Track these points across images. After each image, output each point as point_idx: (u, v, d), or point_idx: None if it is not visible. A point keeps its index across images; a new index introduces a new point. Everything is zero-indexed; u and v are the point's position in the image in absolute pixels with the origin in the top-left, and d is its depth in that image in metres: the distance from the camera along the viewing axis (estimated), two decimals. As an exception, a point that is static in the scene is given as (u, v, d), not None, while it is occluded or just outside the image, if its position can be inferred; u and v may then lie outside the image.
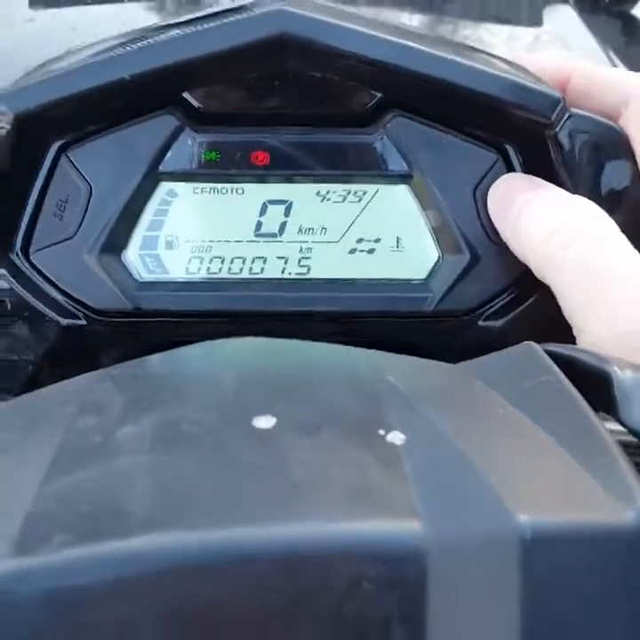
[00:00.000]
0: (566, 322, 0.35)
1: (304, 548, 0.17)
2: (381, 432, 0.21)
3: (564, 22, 0.64)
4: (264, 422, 0.21)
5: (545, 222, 0.35)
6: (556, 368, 0.25)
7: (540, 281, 0.36)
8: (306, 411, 0.23)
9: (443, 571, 0.17)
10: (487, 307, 0.40)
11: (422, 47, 0.36)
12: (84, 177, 0.39)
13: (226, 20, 0.35)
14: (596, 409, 0.23)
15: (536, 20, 0.64)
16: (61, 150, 0.39)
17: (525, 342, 0.27)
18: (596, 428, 0.21)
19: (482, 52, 0.40)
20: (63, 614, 0.17)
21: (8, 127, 0.36)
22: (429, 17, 0.63)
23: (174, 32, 0.36)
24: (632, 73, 0.42)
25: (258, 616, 0.17)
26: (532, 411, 0.23)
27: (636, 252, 0.34)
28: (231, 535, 0.17)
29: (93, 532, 0.18)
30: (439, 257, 0.40)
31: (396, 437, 0.21)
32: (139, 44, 0.36)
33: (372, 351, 0.28)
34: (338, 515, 0.18)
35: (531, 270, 0.37)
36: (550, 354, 0.26)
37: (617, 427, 0.23)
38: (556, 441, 0.21)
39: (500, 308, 0.40)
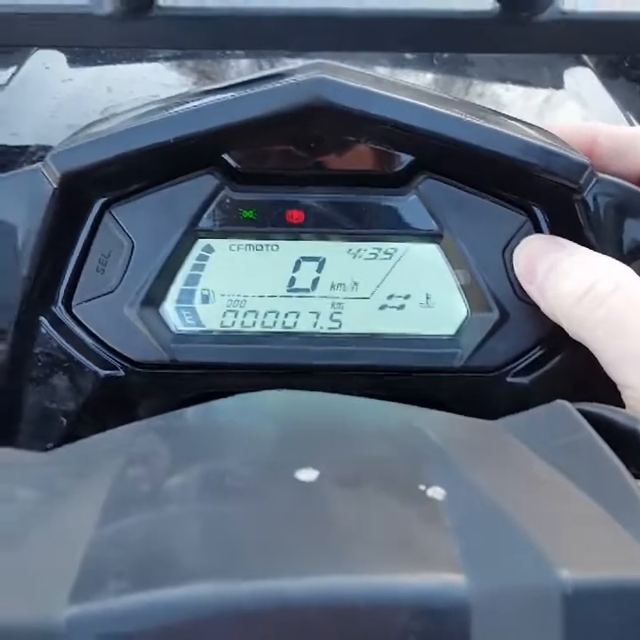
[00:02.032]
0: (594, 378, 0.36)
1: (351, 600, 0.18)
2: (422, 487, 0.22)
3: (584, 85, 0.65)
4: (306, 475, 0.22)
5: (574, 283, 0.36)
6: (588, 426, 0.25)
7: (567, 338, 0.37)
8: (346, 464, 0.23)
9: (486, 624, 0.18)
10: (515, 363, 0.41)
11: (452, 112, 0.37)
12: (126, 233, 0.40)
13: (266, 87, 0.37)
14: (628, 467, 0.23)
15: (556, 83, 0.65)
16: (105, 207, 0.40)
17: (558, 401, 0.28)
18: (628, 484, 0.22)
19: (509, 117, 0.42)
20: None
21: (55, 185, 0.38)
22: (451, 79, 0.65)
23: (216, 97, 0.37)
24: None
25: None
26: (566, 468, 0.24)
27: None
28: (279, 586, 0.18)
29: (146, 580, 0.18)
30: (468, 314, 0.41)
31: (436, 493, 0.21)
32: (182, 109, 0.37)
33: (407, 406, 0.29)
34: (384, 568, 0.19)
35: (558, 328, 0.38)
36: (582, 412, 0.27)
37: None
38: (590, 497, 0.22)
39: (528, 365, 0.41)
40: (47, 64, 0.61)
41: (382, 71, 0.61)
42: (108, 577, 0.19)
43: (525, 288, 0.39)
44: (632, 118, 0.62)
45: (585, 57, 0.67)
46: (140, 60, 0.61)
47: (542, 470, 0.24)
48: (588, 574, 0.18)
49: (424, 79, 0.60)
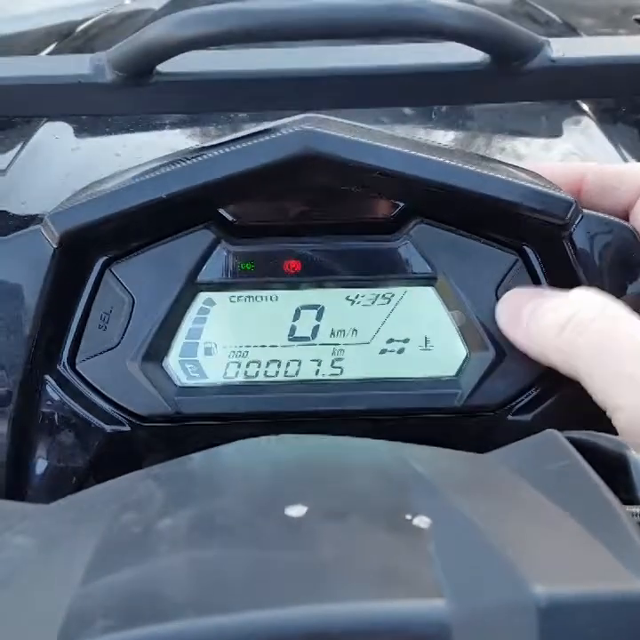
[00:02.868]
0: (596, 411, 0.36)
1: (333, 626, 0.18)
2: (408, 517, 0.22)
3: (584, 133, 0.65)
4: (295, 511, 0.22)
5: (556, 314, 0.37)
6: (575, 453, 0.26)
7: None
8: (334, 499, 0.24)
9: (466, 644, 0.18)
10: (516, 401, 0.41)
11: (439, 158, 0.38)
12: (127, 290, 0.41)
13: (254, 142, 0.38)
14: (616, 491, 0.23)
15: (556, 133, 0.66)
16: (105, 265, 0.41)
17: (547, 430, 0.28)
18: (612, 506, 0.22)
19: (495, 160, 0.43)
20: None
21: (55, 245, 0.39)
22: (450, 132, 0.66)
23: (207, 154, 0.38)
24: None
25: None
26: (553, 492, 0.24)
27: None
28: (264, 617, 0.18)
29: (133, 617, 0.19)
30: (467, 354, 0.42)
31: (421, 521, 0.22)
32: (174, 167, 0.38)
33: (397, 443, 0.29)
34: (365, 594, 0.19)
35: None
36: (571, 440, 0.27)
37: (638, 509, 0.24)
38: (573, 518, 0.22)
39: (528, 403, 0.41)
40: (56, 134, 0.62)
41: (382, 127, 0.62)
42: (95, 616, 0.19)
43: (510, 337, 0.40)
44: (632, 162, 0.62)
45: (582, 104, 0.68)
46: (146, 126, 0.63)
47: (527, 495, 0.24)
48: (563, 588, 0.18)
49: (423, 133, 0.61)
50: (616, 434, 0.34)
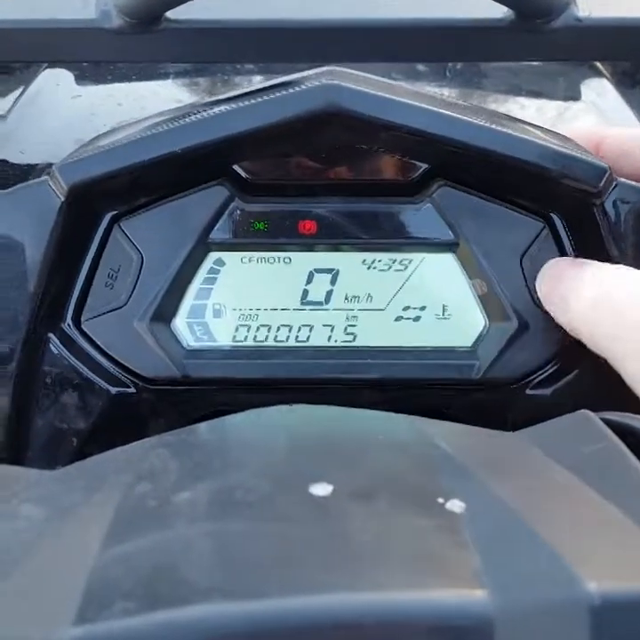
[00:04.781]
0: (616, 389, 0.35)
1: (368, 617, 0.17)
2: (440, 500, 0.21)
3: (601, 94, 0.64)
4: (321, 489, 0.21)
5: (593, 291, 0.35)
6: (612, 435, 0.25)
7: (588, 349, 0.36)
8: (360, 478, 0.23)
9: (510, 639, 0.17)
10: (536, 375, 0.40)
11: (467, 118, 0.37)
12: (136, 247, 0.39)
13: (275, 95, 0.36)
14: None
15: (572, 93, 0.64)
16: (114, 221, 0.40)
17: (581, 411, 0.27)
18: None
19: (524, 122, 0.41)
20: None
21: (62, 198, 0.37)
22: (465, 90, 0.64)
23: (225, 107, 0.37)
24: None
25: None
26: (591, 477, 0.23)
27: None
28: (293, 604, 0.17)
29: (153, 600, 0.18)
30: (485, 324, 0.40)
31: (455, 505, 0.21)
32: (190, 119, 0.37)
33: (419, 417, 0.28)
34: (402, 584, 0.18)
35: None
36: (606, 421, 0.26)
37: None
38: (617, 506, 0.21)
39: (548, 376, 0.40)
40: (56, 81, 0.60)
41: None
42: (114, 597, 0.18)
43: (548, 308, 0.38)
44: (650, 127, 0.61)
45: (600, 66, 0.66)
46: (150, 75, 0.61)
47: (565, 480, 0.23)
48: (616, 586, 0.17)
49: (437, 91, 0.59)
50: None
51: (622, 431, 0.25)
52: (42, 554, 0.20)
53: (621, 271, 0.36)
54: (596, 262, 0.38)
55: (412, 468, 0.24)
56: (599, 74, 0.66)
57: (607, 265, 0.37)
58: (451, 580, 0.18)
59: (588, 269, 0.37)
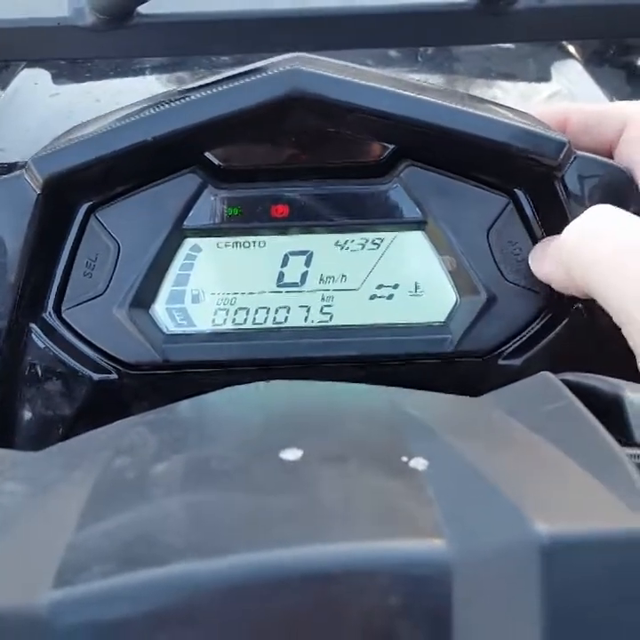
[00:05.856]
0: (583, 356, 0.35)
1: (332, 567, 0.18)
2: (404, 459, 0.22)
3: (570, 75, 0.64)
4: (291, 454, 0.22)
5: (577, 225, 0.35)
6: (570, 394, 0.25)
7: (557, 317, 0.37)
8: (330, 443, 0.24)
9: (467, 584, 0.18)
10: (506, 346, 0.41)
11: (430, 98, 0.38)
12: (112, 236, 0.40)
13: (241, 82, 0.37)
14: (612, 433, 0.23)
15: (543, 76, 0.65)
16: (90, 211, 0.40)
17: (541, 373, 0.28)
18: (609, 445, 0.22)
19: (486, 101, 0.42)
20: None
21: (38, 191, 0.38)
22: (436, 75, 0.65)
23: (193, 95, 0.37)
24: (627, 101, 0.43)
25: (289, 636, 0.18)
26: (549, 434, 0.24)
27: None
28: (263, 558, 0.18)
29: (131, 562, 0.18)
30: (457, 299, 0.41)
31: (418, 463, 0.22)
32: (160, 108, 0.37)
33: (390, 387, 0.29)
34: (365, 535, 0.19)
35: (548, 306, 0.37)
36: (565, 382, 0.27)
37: (635, 451, 0.24)
38: (572, 459, 0.22)
39: (519, 347, 0.41)
40: (34, 80, 0.61)
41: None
42: (92, 561, 0.19)
43: (553, 283, 0.38)
44: (619, 105, 0.61)
45: (571, 47, 0.67)
46: (126, 71, 0.61)
47: (524, 436, 0.24)
48: (565, 527, 0.18)
49: (409, 76, 0.60)
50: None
51: (582, 391, 0.26)
52: (22, 526, 0.21)
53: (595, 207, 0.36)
54: None
55: (379, 431, 0.25)
56: (568, 54, 0.66)
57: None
58: (411, 531, 0.19)
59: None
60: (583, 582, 0.18)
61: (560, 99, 0.63)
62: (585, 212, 0.36)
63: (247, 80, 0.37)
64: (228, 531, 0.19)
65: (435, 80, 0.63)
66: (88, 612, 0.18)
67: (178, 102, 0.37)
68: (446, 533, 0.18)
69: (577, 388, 0.26)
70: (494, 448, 0.24)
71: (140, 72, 0.62)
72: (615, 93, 0.63)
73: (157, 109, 0.37)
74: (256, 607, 0.18)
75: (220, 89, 0.37)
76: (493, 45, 0.63)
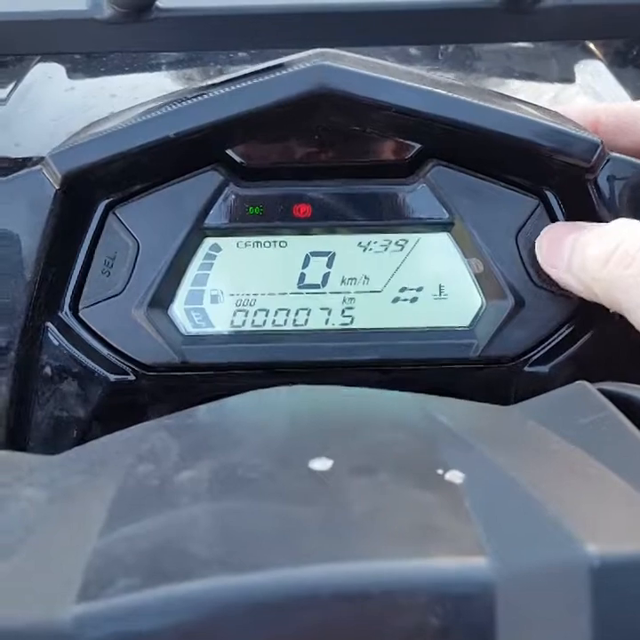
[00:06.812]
0: (614, 362, 0.35)
1: (371, 586, 0.17)
2: (439, 471, 0.21)
3: (593, 75, 0.64)
4: (321, 464, 0.21)
5: (600, 247, 0.35)
6: (610, 405, 0.25)
7: (586, 324, 0.36)
8: (361, 453, 0.23)
9: (511, 605, 0.17)
10: (533, 352, 0.40)
11: (459, 96, 0.37)
12: (131, 234, 0.40)
13: (266, 78, 0.36)
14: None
15: (565, 75, 0.64)
16: (109, 208, 0.40)
17: (577, 382, 0.27)
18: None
19: (516, 99, 0.41)
20: None
21: (57, 187, 0.37)
22: (457, 73, 0.64)
23: (217, 91, 0.37)
24: None
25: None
26: (589, 446, 0.23)
27: None
28: (296, 575, 0.17)
29: (157, 576, 0.18)
30: (482, 303, 0.40)
31: (454, 476, 0.21)
32: (182, 104, 0.37)
33: (420, 394, 0.28)
34: (403, 553, 0.18)
35: (577, 312, 0.36)
36: (603, 392, 0.26)
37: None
38: (615, 473, 0.21)
39: (546, 353, 0.40)
40: (49, 74, 0.60)
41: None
42: (117, 574, 0.18)
43: (551, 272, 0.38)
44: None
45: (592, 46, 0.66)
46: (142, 66, 0.61)
47: (563, 449, 0.23)
48: (615, 548, 0.17)
49: (429, 72, 0.59)
50: None
51: (620, 401, 0.25)
52: (44, 535, 0.21)
53: (624, 223, 0.36)
54: (593, 224, 0.37)
55: (411, 442, 0.24)
56: (591, 54, 0.65)
57: (606, 223, 0.37)
58: (451, 549, 0.18)
59: (588, 230, 0.37)
60: (634, 604, 0.17)
61: (583, 97, 0.62)
62: (609, 227, 0.36)
63: (273, 76, 0.36)
64: (258, 543, 0.19)
65: (456, 78, 0.62)
66: (113, 628, 0.17)
67: (200, 98, 0.36)
68: (488, 551, 0.18)
69: (615, 397, 0.25)
70: (532, 461, 0.23)
71: (155, 67, 0.62)
72: (639, 94, 0.63)
73: (180, 105, 0.36)
74: (288, 626, 0.17)
75: (244, 85, 0.36)
76: (514, 44, 0.62)
